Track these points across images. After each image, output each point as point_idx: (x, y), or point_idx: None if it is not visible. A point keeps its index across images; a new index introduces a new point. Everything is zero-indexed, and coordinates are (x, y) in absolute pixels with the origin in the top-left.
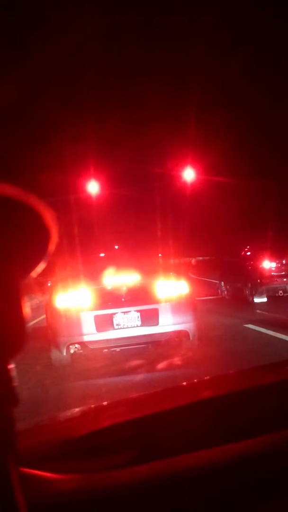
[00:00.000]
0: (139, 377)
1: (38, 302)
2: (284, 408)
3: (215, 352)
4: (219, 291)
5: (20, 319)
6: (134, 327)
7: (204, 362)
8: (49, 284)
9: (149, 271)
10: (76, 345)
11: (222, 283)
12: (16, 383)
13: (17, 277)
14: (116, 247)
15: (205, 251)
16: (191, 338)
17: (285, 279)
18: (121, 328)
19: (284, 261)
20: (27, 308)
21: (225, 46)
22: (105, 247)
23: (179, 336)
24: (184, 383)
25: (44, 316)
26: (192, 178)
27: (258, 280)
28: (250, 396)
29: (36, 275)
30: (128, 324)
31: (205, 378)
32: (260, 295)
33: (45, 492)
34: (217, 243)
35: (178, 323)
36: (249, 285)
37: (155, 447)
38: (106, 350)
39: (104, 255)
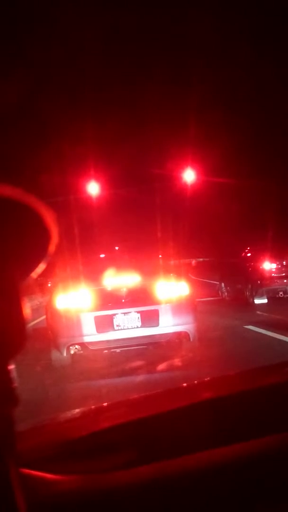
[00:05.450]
0: (139, 378)
1: (38, 303)
2: (285, 410)
3: (215, 353)
4: (220, 292)
5: (20, 320)
6: (134, 328)
7: (204, 363)
8: (49, 285)
9: (149, 272)
10: (76, 346)
11: (223, 284)
12: (16, 383)
13: (17, 277)
14: (117, 248)
15: (206, 252)
16: (191, 339)
17: (285, 280)
18: (121, 329)
19: (284, 262)
20: (27, 309)
21: (226, 46)
22: (106, 248)
23: (179, 337)
24: (184, 384)
25: (44, 317)
26: (193, 179)
27: (259, 281)
28: (250, 398)
29: (36, 276)
30: (128, 325)
31: (205, 379)
32: (261, 296)
33: (45, 493)
34: (217, 244)
35: (178, 324)
36: (250, 286)
37: (155, 448)
38: (106, 351)
39: (105, 256)
